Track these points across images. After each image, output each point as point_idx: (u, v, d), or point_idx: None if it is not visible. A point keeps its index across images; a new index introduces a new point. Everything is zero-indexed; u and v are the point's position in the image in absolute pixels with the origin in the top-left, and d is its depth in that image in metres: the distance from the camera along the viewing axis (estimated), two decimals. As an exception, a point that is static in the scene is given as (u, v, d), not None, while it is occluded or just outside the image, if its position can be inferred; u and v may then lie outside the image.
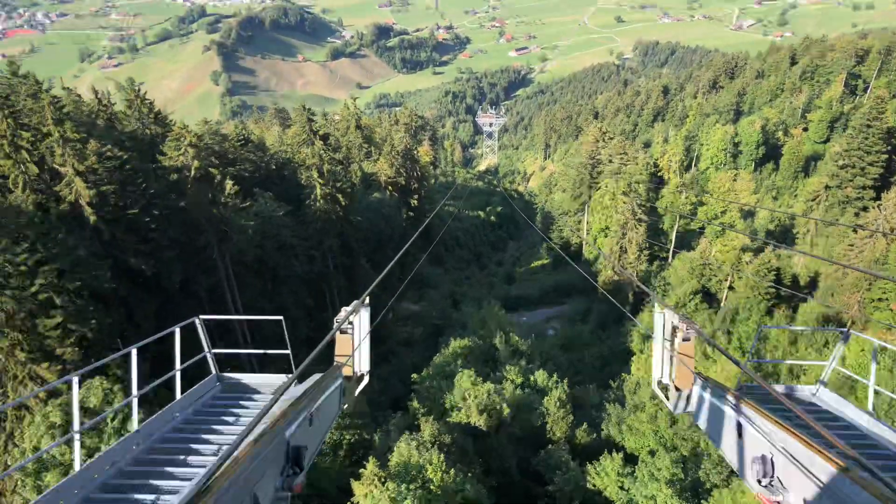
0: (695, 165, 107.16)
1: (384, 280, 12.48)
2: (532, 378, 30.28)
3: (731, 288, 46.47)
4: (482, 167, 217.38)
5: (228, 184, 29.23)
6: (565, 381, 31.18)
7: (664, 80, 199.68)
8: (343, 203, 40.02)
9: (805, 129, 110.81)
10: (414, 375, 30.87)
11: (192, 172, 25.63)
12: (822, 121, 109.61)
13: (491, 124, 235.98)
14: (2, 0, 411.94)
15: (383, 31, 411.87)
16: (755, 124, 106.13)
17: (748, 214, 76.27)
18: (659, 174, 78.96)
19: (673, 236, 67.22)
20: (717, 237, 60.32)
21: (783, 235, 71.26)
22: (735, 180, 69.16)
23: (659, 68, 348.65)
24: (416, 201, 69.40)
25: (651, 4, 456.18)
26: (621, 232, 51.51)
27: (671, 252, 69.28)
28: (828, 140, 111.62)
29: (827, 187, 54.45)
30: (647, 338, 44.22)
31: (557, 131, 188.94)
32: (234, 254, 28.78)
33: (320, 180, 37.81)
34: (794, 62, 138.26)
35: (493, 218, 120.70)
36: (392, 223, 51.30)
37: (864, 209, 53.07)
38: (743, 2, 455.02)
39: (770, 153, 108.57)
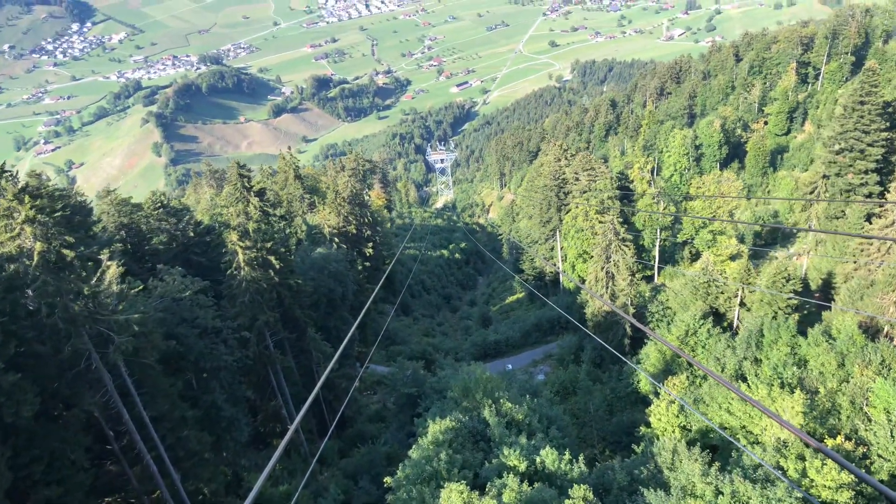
0: (656, 173, 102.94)
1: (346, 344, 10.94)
2: (538, 460, 23.49)
3: (742, 304, 40.43)
4: (439, 204, 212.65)
5: (111, 266, 21.99)
6: (581, 458, 24.38)
7: (609, 94, 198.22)
8: (277, 266, 33.04)
9: (765, 123, 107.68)
10: (387, 480, 23.71)
11: (35, 259, 18.34)
12: (780, 112, 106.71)
13: (442, 160, 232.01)
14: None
15: (323, 83, 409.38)
16: (714, 124, 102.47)
17: (726, 218, 71.33)
18: (627, 186, 73.47)
19: (657, 252, 61.47)
20: (709, 247, 54.72)
21: (772, 237, 66.09)
22: (720, 182, 63.86)
23: (599, 85, 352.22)
24: (370, 250, 62.48)
25: (582, 26, 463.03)
26: (604, 256, 45.30)
27: (656, 269, 63.50)
28: (789, 132, 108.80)
29: (825, 177, 49.34)
30: (657, 377, 37.75)
31: (510, 158, 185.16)
32: (130, 355, 21.44)
33: (241, 243, 30.81)
34: (738, 59, 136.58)
35: (457, 255, 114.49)
36: (343, 279, 44.29)
37: (871, 195, 47.94)
38: (670, 13, 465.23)
39: (733, 152, 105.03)
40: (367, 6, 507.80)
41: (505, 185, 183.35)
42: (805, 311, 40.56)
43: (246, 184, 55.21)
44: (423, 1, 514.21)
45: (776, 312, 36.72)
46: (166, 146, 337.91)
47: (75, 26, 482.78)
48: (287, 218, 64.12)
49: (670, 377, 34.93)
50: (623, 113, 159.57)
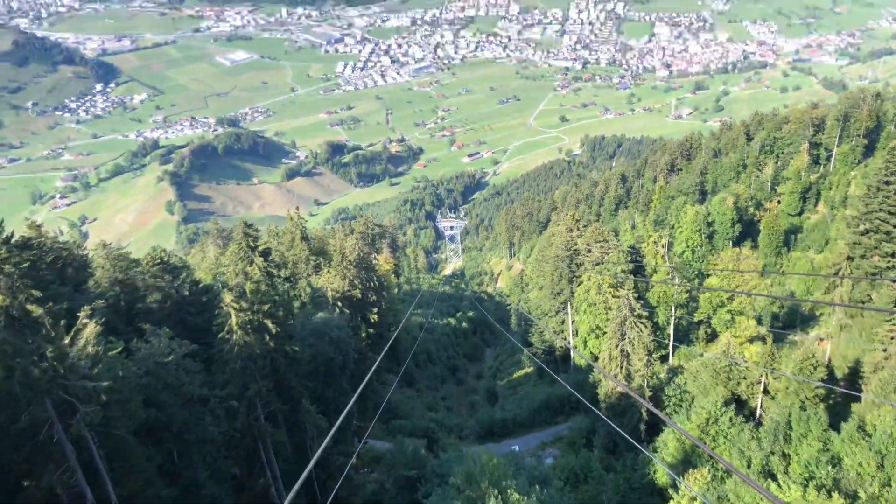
0: (668, 249, 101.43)
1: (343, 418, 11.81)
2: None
3: (766, 392, 37.96)
4: (448, 271, 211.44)
5: (88, 324, 20.11)
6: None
7: (619, 168, 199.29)
8: (274, 331, 31.10)
9: (778, 202, 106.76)
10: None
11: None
12: (793, 192, 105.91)
13: (452, 228, 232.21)
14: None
15: (337, 149, 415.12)
16: (727, 201, 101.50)
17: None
18: (639, 261, 71.69)
19: (671, 330, 59.15)
20: (727, 328, 52.49)
21: (791, 320, 63.76)
22: (738, 259, 62.04)
23: (608, 160, 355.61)
24: (375, 316, 60.51)
25: (591, 102, 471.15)
26: (619, 332, 43.13)
27: (671, 348, 61.05)
28: (802, 212, 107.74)
29: (849, 258, 47.57)
30: (675, 468, 34.98)
31: (520, 228, 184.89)
32: (100, 425, 19.33)
33: (235, 304, 28.96)
34: (749, 138, 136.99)
35: (464, 324, 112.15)
36: (343, 347, 42.12)
37: (900, 279, 45.99)
38: (678, 93, 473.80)
39: (746, 230, 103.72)
40: (383, 76, 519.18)
41: (514, 255, 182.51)
42: (830, 402, 38.05)
43: (251, 243, 53.89)
44: (438, 74, 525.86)
45: (803, 402, 34.25)
46: (179, 204, 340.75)
47: (99, 86, 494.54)
48: (292, 280, 62.47)
49: (691, 470, 32.25)
50: (633, 187, 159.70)
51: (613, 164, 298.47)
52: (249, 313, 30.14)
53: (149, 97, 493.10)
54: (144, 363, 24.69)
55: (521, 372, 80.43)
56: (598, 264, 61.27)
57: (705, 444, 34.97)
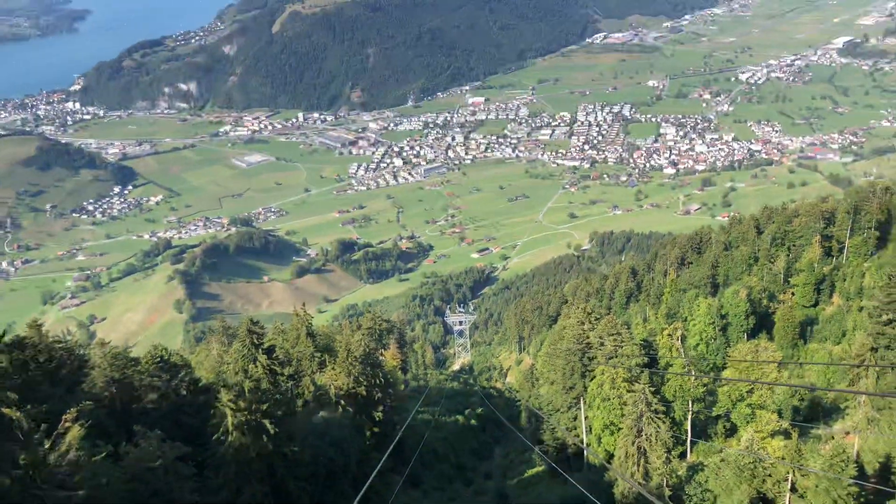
0: (682, 342, 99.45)
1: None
2: None
3: (793, 489, 35.72)
4: (456, 367, 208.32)
5: (73, 428, 19.05)
6: None
7: (629, 262, 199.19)
8: (272, 431, 29.73)
9: (792, 294, 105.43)
10: None
11: None
12: (807, 284, 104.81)
13: (461, 323, 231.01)
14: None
15: (347, 246, 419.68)
16: (740, 294, 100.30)
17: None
18: (653, 355, 70.00)
19: (689, 426, 56.82)
20: (748, 422, 50.32)
21: (813, 412, 61.29)
22: (758, 352, 60.36)
23: (617, 255, 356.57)
24: (381, 414, 58.62)
25: (600, 199, 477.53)
26: (635, 429, 41.27)
27: (689, 444, 58.47)
28: (817, 304, 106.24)
29: (873, 349, 46.09)
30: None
31: (529, 322, 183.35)
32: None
33: (231, 404, 27.80)
34: (759, 231, 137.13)
35: (473, 421, 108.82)
36: (345, 448, 40.35)
37: (925, 370, 44.38)
38: (686, 189, 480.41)
39: (760, 322, 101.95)
40: (395, 177, 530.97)
41: (524, 350, 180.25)
42: (862, 500, 35.69)
43: (255, 340, 52.89)
44: (449, 174, 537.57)
45: (836, 501, 32.07)
46: (188, 303, 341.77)
47: (117, 189, 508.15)
48: (295, 377, 61.11)
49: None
50: (644, 281, 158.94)
51: (622, 259, 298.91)
52: (247, 413, 28.92)
53: (164, 199, 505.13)
54: (131, 468, 23.36)
55: (533, 471, 77.05)
56: (611, 358, 59.70)
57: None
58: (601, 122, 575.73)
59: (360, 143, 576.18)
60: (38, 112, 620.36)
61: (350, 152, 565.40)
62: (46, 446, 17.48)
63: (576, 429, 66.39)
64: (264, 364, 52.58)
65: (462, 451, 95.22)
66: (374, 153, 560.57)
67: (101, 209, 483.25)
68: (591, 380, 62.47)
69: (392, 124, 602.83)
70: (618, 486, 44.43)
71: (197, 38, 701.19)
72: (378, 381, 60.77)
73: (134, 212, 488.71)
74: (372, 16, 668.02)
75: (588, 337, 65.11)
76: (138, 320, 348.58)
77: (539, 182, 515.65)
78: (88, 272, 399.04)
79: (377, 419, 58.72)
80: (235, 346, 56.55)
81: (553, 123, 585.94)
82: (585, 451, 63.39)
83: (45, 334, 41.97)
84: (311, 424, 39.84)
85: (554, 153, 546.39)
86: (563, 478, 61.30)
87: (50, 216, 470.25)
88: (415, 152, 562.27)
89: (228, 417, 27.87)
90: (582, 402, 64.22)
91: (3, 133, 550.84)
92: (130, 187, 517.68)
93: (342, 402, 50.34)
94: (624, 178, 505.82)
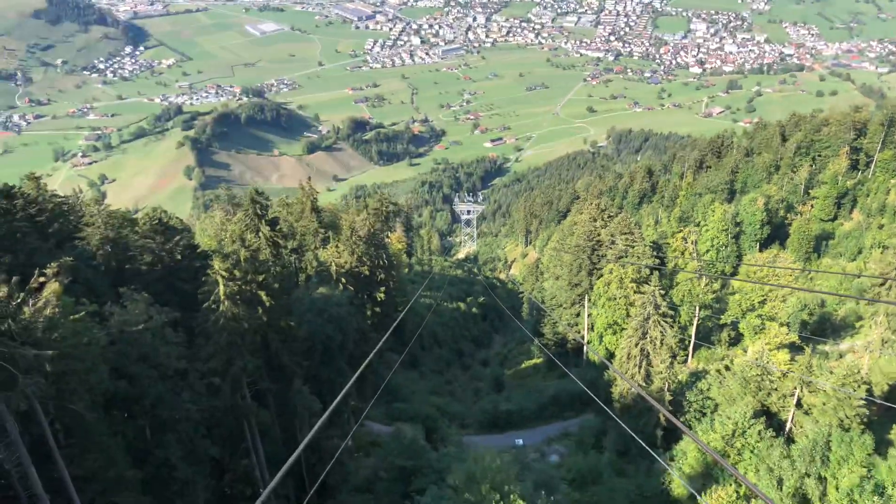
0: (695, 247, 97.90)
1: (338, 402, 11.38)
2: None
3: (799, 405, 34.92)
4: (461, 255, 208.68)
5: (50, 284, 17.52)
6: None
7: (646, 162, 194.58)
8: (267, 304, 28.53)
9: (811, 206, 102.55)
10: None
11: None
12: (828, 197, 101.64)
13: (469, 212, 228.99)
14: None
15: (359, 125, 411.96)
16: (757, 202, 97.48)
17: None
18: (661, 258, 68.52)
19: (693, 331, 56.01)
20: (757, 333, 49.30)
21: (821, 328, 60.25)
22: (775, 260, 58.60)
23: (634, 154, 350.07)
24: (382, 294, 57.86)
25: (621, 95, 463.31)
26: (640, 331, 40.22)
27: (691, 349, 57.93)
28: (836, 218, 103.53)
29: (899, 267, 44.10)
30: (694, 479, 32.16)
31: (538, 216, 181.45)
32: (53, 398, 16.85)
33: (224, 273, 26.38)
34: (784, 139, 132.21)
35: (474, 309, 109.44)
36: (343, 325, 39.52)
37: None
38: (711, 91, 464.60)
39: (775, 233, 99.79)
40: (411, 56, 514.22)
41: (530, 243, 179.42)
42: (866, 420, 34.89)
43: (259, 210, 51.41)
44: (467, 56, 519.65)
45: (842, 421, 31.19)
46: (198, 171, 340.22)
47: (128, 49, 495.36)
48: (299, 252, 60.05)
49: (714, 487, 29.43)
50: (659, 182, 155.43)
51: (638, 159, 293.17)
52: (241, 283, 27.55)
53: (176, 62, 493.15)
54: (115, 330, 22.17)
55: (530, 362, 77.70)
56: (620, 257, 58.18)
57: (729, 457, 32.17)
58: (630, 13, 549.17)
59: (378, 17, 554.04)
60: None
61: (367, 27, 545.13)
62: (17, 300, 16.04)
63: (577, 325, 65.97)
64: (267, 235, 51.29)
65: (461, 338, 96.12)
66: (391, 29, 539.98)
67: (112, 68, 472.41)
68: (598, 278, 61.27)
69: (412, 0, 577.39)
70: (616, 385, 44.01)
71: None
72: (381, 262, 59.68)
73: (145, 74, 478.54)
74: None
75: (599, 234, 63.35)
76: (148, 184, 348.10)
77: (560, 72, 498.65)
78: (100, 132, 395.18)
79: (378, 300, 58.01)
80: (239, 216, 55.17)
81: (579, 10, 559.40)
82: (585, 348, 63.19)
83: (44, 188, 40.38)
84: (309, 300, 38.83)
85: (578, 42, 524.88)
86: (561, 371, 61.52)
87: (60, 72, 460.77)
88: (433, 31, 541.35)
89: (220, 286, 26.54)
90: (586, 299, 63.35)
91: None
92: (142, 48, 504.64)
93: (343, 280, 49.29)
94: (648, 75, 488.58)
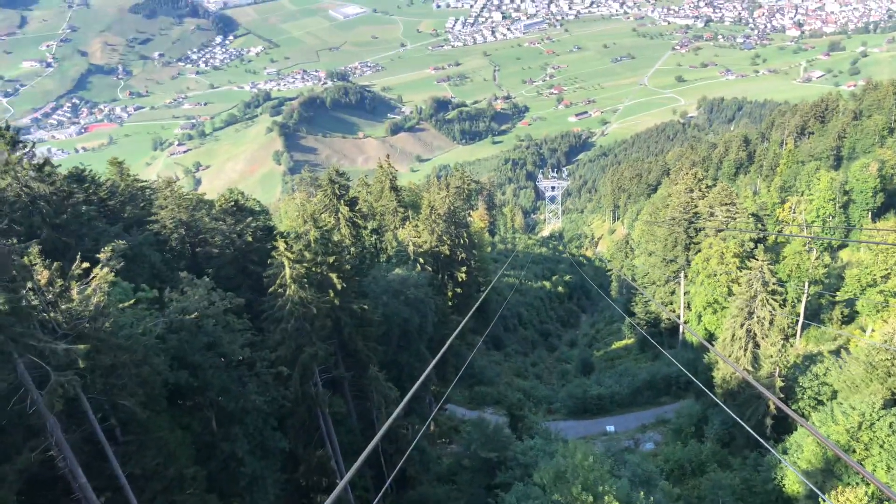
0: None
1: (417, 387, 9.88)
2: None
3: (936, 394, 30.53)
4: (545, 233, 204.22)
5: (97, 270, 16.24)
6: None
7: (742, 131, 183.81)
8: (339, 286, 26.94)
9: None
10: None
11: None
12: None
13: (553, 188, 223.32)
14: (85, 98, 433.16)
15: (442, 105, 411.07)
16: (870, 167, 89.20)
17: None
18: (763, 229, 63.32)
19: (802, 309, 51.17)
20: (879, 312, 44.22)
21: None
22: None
23: (727, 124, 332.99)
24: (464, 275, 55.81)
25: (712, 62, 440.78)
26: (746, 310, 36.48)
27: (799, 329, 53.08)
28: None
29: None
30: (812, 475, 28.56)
31: (626, 191, 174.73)
32: (101, 393, 15.66)
33: (290, 254, 24.85)
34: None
35: (560, 288, 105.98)
36: (422, 308, 37.69)
37: None
38: (809, 54, 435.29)
39: (889, 201, 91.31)
40: (492, 32, 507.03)
41: (618, 219, 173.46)
42: None
43: (337, 191, 50.39)
44: (550, 30, 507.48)
45: None
46: (286, 155, 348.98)
47: (218, 38, 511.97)
48: (379, 232, 58.82)
49: (840, 487, 25.87)
50: (757, 151, 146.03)
51: (732, 128, 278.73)
52: (310, 265, 26.00)
53: (264, 50, 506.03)
54: (173, 318, 20.96)
55: (621, 343, 74.06)
56: (721, 230, 53.79)
57: (854, 452, 28.37)
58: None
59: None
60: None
61: (448, 5, 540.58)
62: (57, 288, 14.80)
63: (672, 304, 61.89)
64: (346, 215, 50.18)
65: (547, 318, 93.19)
66: (472, 6, 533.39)
67: (204, 59, 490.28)
68: (696, 253, 57.02)
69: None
70: (718, 369, 40.35)
71: None
72: (462, 241, 57.62)
73: (235, 62, 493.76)
74: None
75: (696, 206, 58.92)
76: (240, 169, 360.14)
77: (646, 42, 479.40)
78: (194, 120, 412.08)
79: (459, 280, 56.02)
80: (318, 196, 54.35)
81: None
82: (682, 329, 59.21)
83: (126, 172, 40.37)
84: (385, 282, 37.16)
85: (665, 10, 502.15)
86: (654, 353, 57.88)
87: (158, 64, 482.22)
88: (514, 6, 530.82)
89: (286, 268, 25.08)
90: (682, 276, 59.21)
91: None
92: (231, 37, 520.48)
93: (421, 260, 47.50)
94: (741, 40, 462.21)
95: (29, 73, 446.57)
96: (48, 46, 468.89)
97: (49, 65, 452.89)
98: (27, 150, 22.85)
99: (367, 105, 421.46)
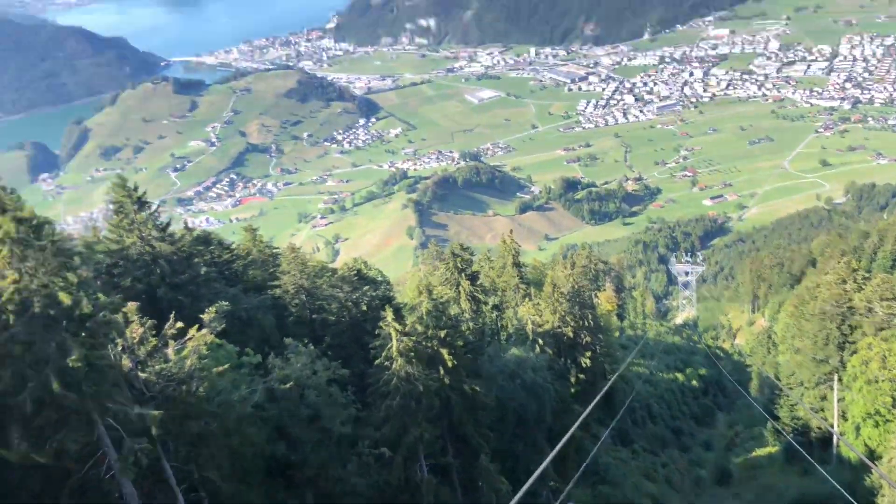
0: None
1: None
2: None
3: None
4: (678, 320, 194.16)
5: (195, 334, 15.57)
6: None
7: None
8: (450, 364, 25.29)
9: None
10: None
11: (6, 295, 11.92)
12: None
13: (687, 273, 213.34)
14: (241, 173, 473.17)
15: (571, 185, 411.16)
16: None
17: None
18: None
19: None
20: None
21: None
22: None
23: (878, 211, 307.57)
24: (588, 360, 52.49)
25: (861, 146, 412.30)
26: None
27: None
28: None
29: None
30: None
31: (766, 280, 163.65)
32: (184, 462, 14.66)
33: (398, 325, 23.56)
34: None
35: (694, 381, 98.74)
36: (540, 394, 35.08)
37: None
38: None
39: None
40: (624, 114, 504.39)
41: (757, 309, 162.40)
42: None
43: (459, 264, 49.71)
44: (683, 112, 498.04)
45: None
46: (418, 230, 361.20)
47: (362, 121, 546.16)
48: (500, 308, 57.15)
49: None
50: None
51: (885, 217, 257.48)
52: (421, 338, 24.61)
53: (403, 131, 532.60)
54: (272, 386, 20.00)
55: (764, 451, 66.51)
56: (882, 329, 47.50)
57: None
58: (868, 57, 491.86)
59: (591, 78, 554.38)
60: (300, 48, 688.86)
61: (580, 88, 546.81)
62: (147, 348, 14.14)
63: (824, 411, 54.89)
64: (466, 290, 49.09)
65: (680, 413, 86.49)
66: (604, 89, 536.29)
67: (348, 139, 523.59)
68: (853, 354, 50.50)
69: (625, 59, 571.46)
70: (883, 495, 34.33)
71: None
72: (587, 323, 54.53)
73: (376, 143, 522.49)
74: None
75: (851, 300, 52.62)
76: (375, 242, 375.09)
77: (787, 124, 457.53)
78: (336, 196, 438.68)
79: (584, 365, 52.75)
80: (440, 269, 53.87)
81: (809, 58, 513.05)
82: (836, 441, 52.10)
83: (259, 238, 41.66)
84: (501, 362, 35.08)
85: (808, 91, 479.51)
86: (803, 466, 51.11)
87: (306, 144, 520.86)
88: (647, 89, 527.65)
89: (393, 340, 23.81)
90: (836, 379, 52.53)
91: (271, 67, 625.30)
92: (373, 119, 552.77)
93: (541, 341, 45.03)
94: (893, 122, 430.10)
95: (196, 151, 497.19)
96: (213, 128, 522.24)
97: (213, 144, 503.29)
98: (153, 210, 23.50)
99: (497, 184, 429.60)
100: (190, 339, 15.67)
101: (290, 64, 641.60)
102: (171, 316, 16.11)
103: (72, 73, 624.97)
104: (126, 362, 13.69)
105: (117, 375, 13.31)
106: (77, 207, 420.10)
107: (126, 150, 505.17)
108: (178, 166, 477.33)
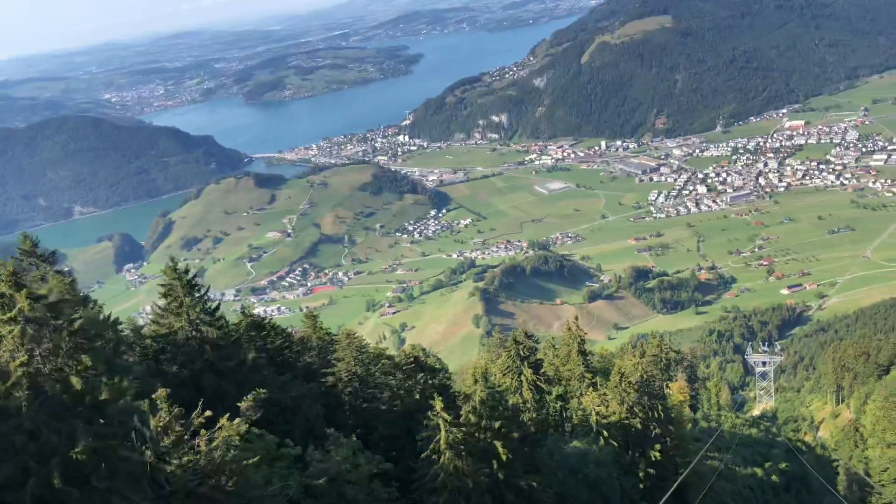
0: None
1: None
2: None
3: None
4: (756, 412, 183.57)
5: (227, 423, 15.29)
6: None
7: None
8: (504, 457, 24.06)
9: None
10: None
11: (13, 378, 11.65)
12: None
13: (764, 364, 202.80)
14: (314, 263, 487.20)
15: (642, 274, 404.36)
16: None
17: None
18: None
19: None
20: None
21: None
22: None
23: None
24: (658, 453, 49.44)
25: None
26: None
27: None
28: None
29: None
30: None
31: (851, 370, 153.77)
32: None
33: (447, 415, 22.69)
34: None
35: (774, 477, 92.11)
36: (606, 490, 32.96)
37: None
38: None
39: None
40: (697, 204, 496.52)
41: (842, 401, 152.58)
42: None
43: (522, 352, 48.94)
44: (758, 202, 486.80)
45: None
46: (485, 319, 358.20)
47: (433, 212, 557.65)
48: (564, 398, 55.20)
49: None
50: None
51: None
52: (473, 429, 23.65)
53: (472, 222, 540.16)
54: (309, 480, 19.31)
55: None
56: None
57: None
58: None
59: (662, 169, 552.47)
60: (376, 144, 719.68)
61: (651, 179, 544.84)
62: (172, 438, 13.82)
63: (925, 513, 49.89)
64: (529, 378, 47.93)
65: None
66: (675, 180, 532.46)
67: (418, 230, 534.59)
68: (954, 451, 46.19)
69: (697, 150, 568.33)
70: None
71: (510, 72, 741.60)
72: (657, 415, 51.73)
73: (445, 233, 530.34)
74: (682, 41, 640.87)
75: (948, 393, 48.57)
76: (441, 331, 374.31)
77: (868, 213, 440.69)
78: (404, 285, 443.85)
79: (653, 459, 49.75)
80: (503, 357, 52.99)
81: (889, 147, 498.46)
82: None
83: (319, 325, 42.00)
84: (562, 456, 33.32)
85: (889, 181, 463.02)
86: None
87: (378, 234, 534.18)
88: (720, 179, 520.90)
89: (441, 432, 22.90)
90: (936, 479, 47.92)
91: (348, 162, 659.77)
92: (444, 211, 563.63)
93: (605, 432, 42.86)
94: None
95: (272, 242, 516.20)
96: (289, 220, 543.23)
97: (289, 235, 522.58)
98: (202, 293, 23.87)
99: (565, 273, 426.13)
100: (219, 428, 15.31)
101: (366, 159, 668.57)
102: (199, 404, 15.78)
103: (162, 170, 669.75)
104: (149, 454, 13.27)
105: (135, 468, 12.79)
106: (157, 297, 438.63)
107: (206, 240, 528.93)
108: (253, 256, 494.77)
